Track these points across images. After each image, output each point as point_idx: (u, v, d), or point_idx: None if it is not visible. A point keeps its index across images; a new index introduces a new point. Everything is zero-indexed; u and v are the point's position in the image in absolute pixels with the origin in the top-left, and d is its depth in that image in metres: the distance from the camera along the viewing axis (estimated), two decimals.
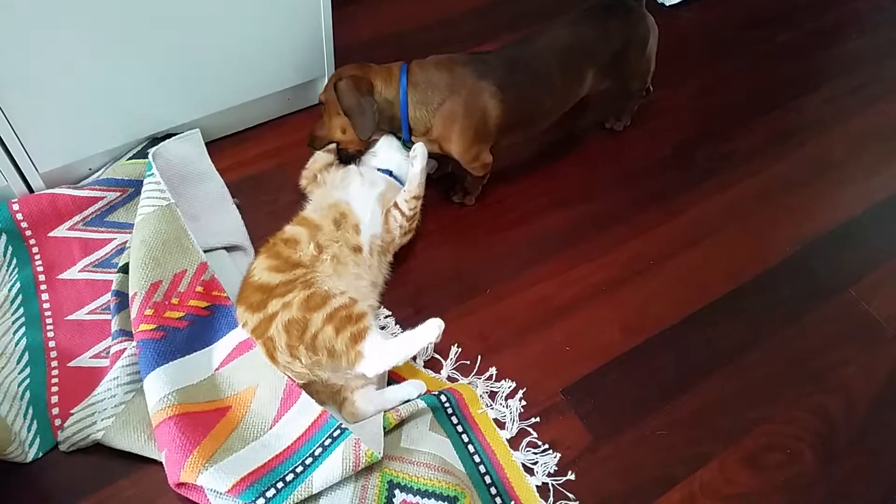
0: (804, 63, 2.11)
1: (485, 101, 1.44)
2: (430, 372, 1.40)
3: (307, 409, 1.25)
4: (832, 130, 1.94)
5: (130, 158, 1.52)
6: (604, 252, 1.62)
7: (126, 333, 1.29)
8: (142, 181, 1.45)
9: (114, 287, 1.35)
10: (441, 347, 1.43)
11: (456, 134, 1.46)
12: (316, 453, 1.19)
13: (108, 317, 1.34)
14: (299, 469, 1.17)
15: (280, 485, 1.14)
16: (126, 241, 1.44)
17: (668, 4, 2.19)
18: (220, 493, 1.14)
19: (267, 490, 1.12)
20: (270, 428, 1.23)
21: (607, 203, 1.70)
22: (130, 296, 1.30)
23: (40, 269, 1.42)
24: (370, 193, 1.46)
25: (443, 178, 1.67)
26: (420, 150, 1.47)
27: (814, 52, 2.15)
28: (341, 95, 1.43)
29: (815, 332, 1.54)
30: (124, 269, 1.36)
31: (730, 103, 1.96)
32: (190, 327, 1.29)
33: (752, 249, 1.66)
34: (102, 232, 1.48)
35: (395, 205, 1.45)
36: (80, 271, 1.43)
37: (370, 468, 1.20)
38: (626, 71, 1.63)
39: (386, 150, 1.54)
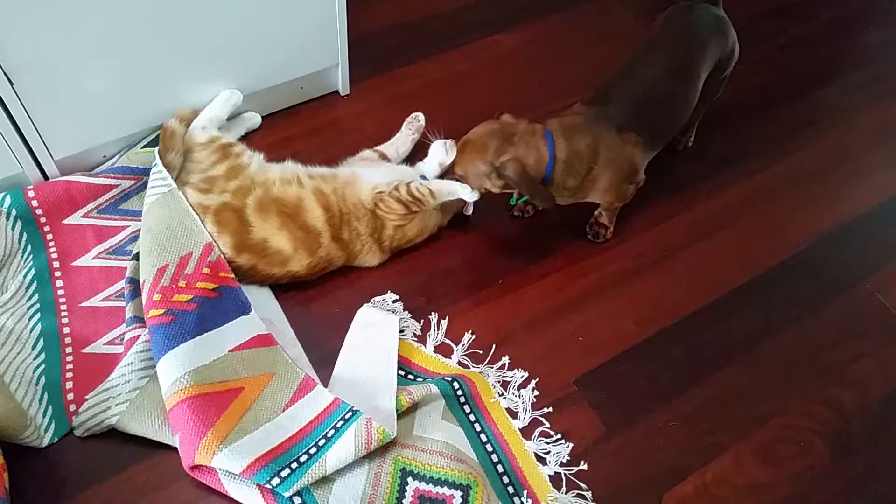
0: (821, 54, 2.09)
1: (629, 152, 1.42)
2: (441, 357, 1.40)
3: (320, 398, 1.25)
4: (848, 123, 1.92)
5: (145, 146, 1.52)
6: (617, 243, 1.61)
7: (140, 320, 1.29)
8: None
9: (127, 274, 1.36)
10: (453, 335, 1.43)
11: (608, 192, 1.45)
12: (329, 434, 1.20)
13: (122, 304, 1.35)
14: (312, 450, 1.18)
15: (294, 465, 1.14)
16: (139, 229, 1.44)
17: None
18: (234, 476, 1.14)
19: (281, 470, 1.13)
20: (283, 410, 1.23)
21: None
22: (141, 283, 1.31)
23: (55, 255, 1.42)
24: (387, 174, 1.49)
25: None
26: (466, 192, 1.43)
27: (831, 43, 2.13)
28: (517, 180, 1.34)
29: (830, 324, 1.53)
30: (137, 257, 1.36)
31: (746, 95, 1.94)
32: (199, 310, 1.29)
33: (767, 241, 1.65)
34: (116, 219, 1.48)
35: (408, 182, 1.45)
36: (94, 258, 1.43)
37: (383, 455, 1.20)
38: (717, 79, 1.60)
39: (430, 158, 1.55)
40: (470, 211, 1.52)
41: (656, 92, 1.45)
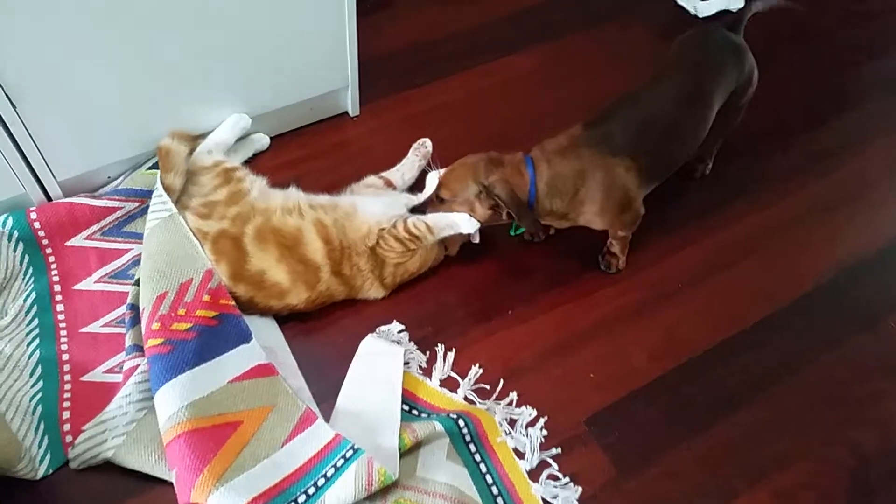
0: (844, 78, 2.04)
1: (621, 177, 1.36)
2: (447, 391, 1.36)
3: (321, 433, 1.22)
4: (872, 149, 1.86)
5: (150, 168, 1.50)
6: (631, 273, 1.56)
7: (139, 349, 1.26)
8: None
9: (129, 300, 1.33)
10: (460, 367, 1.39)
11: (598, 216, 1.40)
12: (328, 474, 1.16)
13: (123, 330, 1.32)
14: (311, 490, 1.14)
15: None
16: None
17: (701, 16, 2.13)
18: None
19: None
20: (282, 446, 1.20)
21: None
22: (140, 311, 1.28)
23: (56, 278, 1.40)
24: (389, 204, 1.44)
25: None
26: (465, 222, 1.39)
27: (854, 67, 2.07)
28: (506, 199, 1.32)
29: (851, 362, 1.47)
30: (139, 282, 1.33)
31: (766, 119, 1.89)
32: (198, 339, 1.25)
33: (786, 274, 1.60)
34: (120, 242, 1.46)
35: (405, 219, 1.41)
36: (95, 282, 1.41)
37: (384, 497, 1.16)
38: (734, 107, 1.55)
39: (427, 190, 1.50)
40: (477, 239, 1.48)
41: (660, 119, 1.39)
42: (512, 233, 1.52)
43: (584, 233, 1.60)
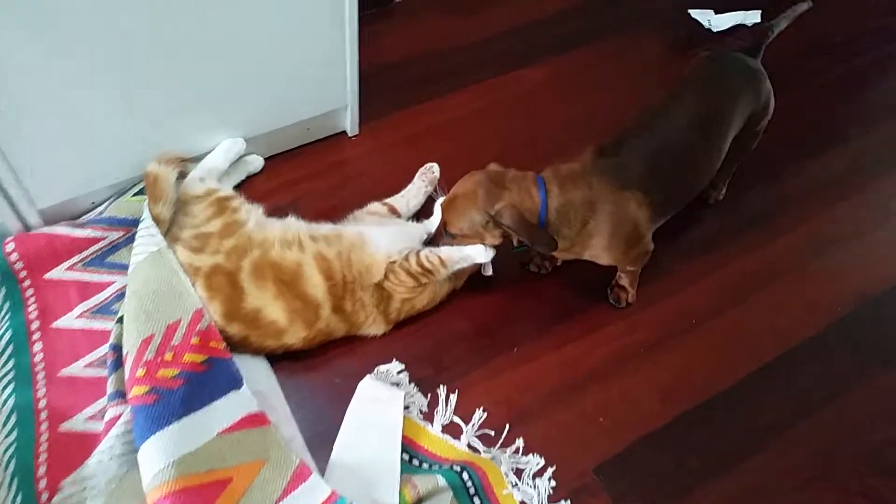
0: (863, 97, 1.96)
1: (632, 212, 1.29)
2: (449, 438, 1.29)
3: (316, 489, 1.14)
4: (891, 174, 1.79)
5: (136, 195, 1.42)
6: (641, 308, 1.49)
7: (122, 396, 1.19)
8: None
9: (111, 340, 1.25)
10: (463, 410, 1.32)
11: (605, 251, 1.33)
12: None
13: (105, 372, 1.24)
14: None
15: None
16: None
17: (715, 30, 2.05)
18: None
19: None
20: None
21: None
22: (124, 355, 1.20)
23: (34, 315, 1.31)
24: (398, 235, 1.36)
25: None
26: (480, 253, 1.33)
27: (873, 85, 2.00)
28: (515, 227, 1.24)
29: (869, 404, 1.41)
30: (122, 320, 1.25)
31: (780, 141, 1.81)
32: (186, 386, 1.18)
33: (802, 308, 1.53)
34: (103, 273, 1.38)
35: (417, 251, 1.33)
36: (76, 318, 1.33)
37: None
38: (750, 133, 1.47)
39: (436, 217, 1.43)
40: (489, 272, 1.40)
41: (674, 149, 1.32)
42: (515, 246, 1.44)
43: (591, 264, 1.53)
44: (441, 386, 1.34)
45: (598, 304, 1.49)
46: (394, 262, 1.30)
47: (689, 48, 2.02)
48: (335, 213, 1.51)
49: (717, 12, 2.10)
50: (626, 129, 1.36)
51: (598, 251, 1.33)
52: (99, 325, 1.32)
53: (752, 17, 2.05)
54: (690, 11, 2.10)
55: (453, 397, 1.33)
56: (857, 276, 1.59)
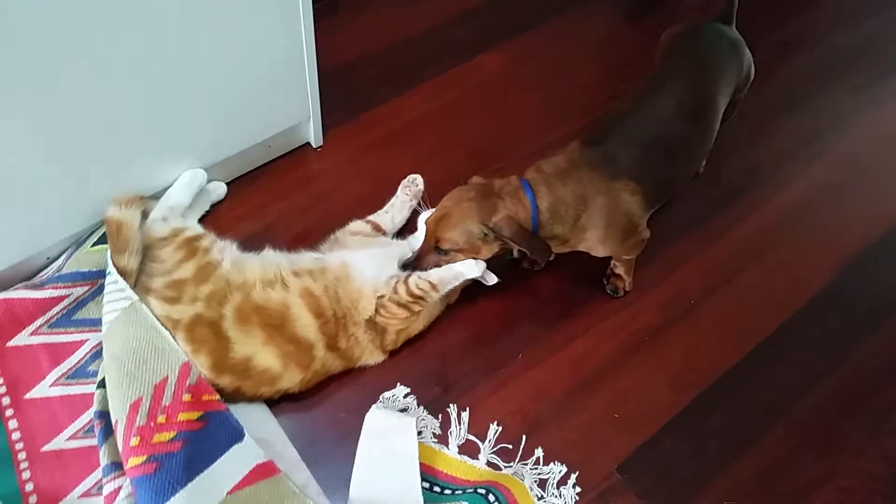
0: (820, 52, 1.95)
1: (625, 202, 1.24)
2: (467, 459, 1.25)
3: None
4: (858, 129, 1.80)
5: (96, 244, 1.30)
6: (638, 296, 1.46)
7: (119, 467, 1.10)
8: None
9: (95, 407, 1.16)
10: (478, 427, 1.28)
11: (601, 244, 1.28)
12: None
13: (93, 441, 1.15)
14: None
15: None
16: (101, 342, 1.24)
17: None
18: None
19: None
20: None
21: None
22: (113, 424, 1.11)
23: (2, 389, 1.20)
24: (384, 259, 1.29)
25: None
26: (471, 268, 1.26)
27: (828, 39, 1.99)
28: (515, 238, 1.20)
29: (870, 364, 1.43)
30: (104, 383, 1.16)
31: (750, 109, 1.79)
32: (185, 448, 1.10)
33: (794, 277, 1.53)
34: (72, 332, 1.27)
35: (405, 279, 1.26)
36: (51, 386, 1.22)
37: None
38: (732, 104, 1.43)
39: (420, 233, 1.33)
40: (493, 280, 1.33)
41: (665, 137, 1.28)
42: (508, 257, 1.40)
43: (585, 255, 1.49)
44: (451, 405, 1.29)
45: (596, 297, 1.46)
46: (383, 297, 1.23)
47: (646, 16, 1.98)
48: (313, 235, 1.43)
49: None
50: (610, 117, 1.31)
51: (594, 244, 1.29)
52: (77, 390, 1.22)
53: None
54: None
55: (465, 415, 1.28)
56: (839, 239, 1.60)
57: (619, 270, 1.43)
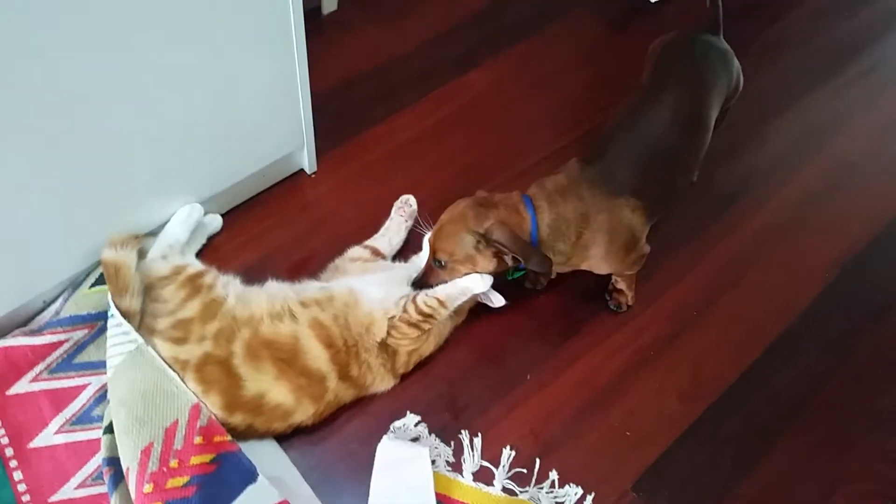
0: (804, 54, 1.97)
1: (626, 218, 1.24)
2: (483, 486, 1.24)
3: None
4: (848, 127, 1.82)
5: (94, 285, 1.28)
6: (642, 309, 1.46)
7: None
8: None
9: (103, 454, 1.14)
10: (491, 453, 1.27)
11: (603, 261, 1.28)
12: None
13: (102, 488, 1.13)
14: None
15: None
16: (104, 385, 1.21)
17: (652, 1, 2.01)
18: None
19: None
20: None
21: None
22: (124, 470, 1.09)
23: (5, 440, 1.17)
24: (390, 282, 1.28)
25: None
26: (477, 282, 1.25)
27: (811, 39, 2.01)
28: (508, 243, 1.18)
29: (874, 364, 1.45)
30: (111, 428, 1.13)
31: (735, 110, 1.81)
32: (199, 493, 1.08)
33: (794, 280, 1.54)
34: (73, 377, 1.24)
35: (413, 298, 1.25)
36: (55, 433, 1.19)
37: None
38: (722, 113, 1.44)
39: (426, 252, 1.34)
40: (500, 303, 1.32)
41: (661, 150, 1.28)
42: (509, 276, 1.39)
43: (586, 273, 1.49)
44: (462, 430, 1.29)
45: (601, 313, 1.46)
46: (393, 317, 1.21)
47: (630, 23, 1.98)
48: (312, 263, 1.42)
49: None
50: (605, 135, 1.31)
51: (597, 261, 1.29)
52: (82, 436, 1.20)
53: None
54: None
55: (477, 441, 1.28)
56: (835, 239, 1.61)
57: (621, 286, 1.43)
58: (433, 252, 1.25)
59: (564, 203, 1.23)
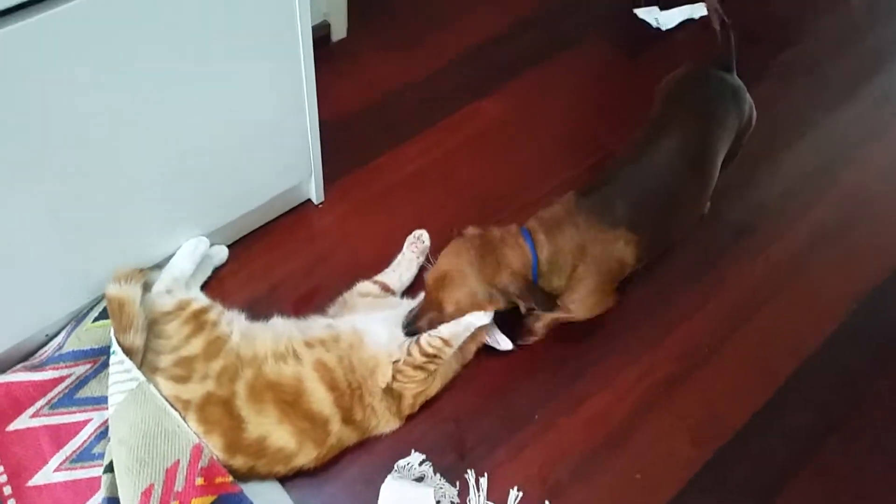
0: (816, 80, 1.95)
1: (620, 252, 1.22)
2: None
3: None
4: (863, 158, 1.79)
5: (97, 319, 1.26)
6: (651, 346, 1.44)
7: None
8: None
9: (104, 493, 1.12)
10: (497, 495, 1.24)
11: (584, 296, 1.24)
12: None
13: None
14: None
15: None
16: (106, 421, 1.20)
17: (664, 29, 2.00)
18: None
19: None
20: None
21: (643, 282, 1.51)
22: None
23: (3, 478, 1.15)
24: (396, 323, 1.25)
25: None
26: (480, 318, 1.23)
27: (822, 65, 1.99)
28: (522, 295, 1.17)
29: (889, 408, 1.41)
30: (111, 467, 1.12)
31: (752, 144, 1.78)
32: None
33: (808, 316, 1.51)
34: (75, 413, 1.22)
35: (416, 340, 1.22)
36: (55, 471, 1.17)
37: None
38: (734, 150, 1.40)
39: None
40: (507, 346, 1.31)
41: (664, 186, 1.25)
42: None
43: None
44: (468, 471, 1.26)
45: (607, 347, 1.43)
46: (398, 362, 1.19)
47: (642, 51, 1.97)
48: (318, 295, 1.40)
49: (662, 9, 2.05)
50: (608, 168, 1.29)
51: (579, 298, 1.25)
52: (82, 474, 1.18)
53: (699, 10, 2.01)
54: (636, 11, 2.05)
55: (483, 481, 1.25)
56: (850, 275, 1.59)
57: (541, 323, 1.35)
58: (436, 302, 1.21)
59: (561, 235, 1.21)
